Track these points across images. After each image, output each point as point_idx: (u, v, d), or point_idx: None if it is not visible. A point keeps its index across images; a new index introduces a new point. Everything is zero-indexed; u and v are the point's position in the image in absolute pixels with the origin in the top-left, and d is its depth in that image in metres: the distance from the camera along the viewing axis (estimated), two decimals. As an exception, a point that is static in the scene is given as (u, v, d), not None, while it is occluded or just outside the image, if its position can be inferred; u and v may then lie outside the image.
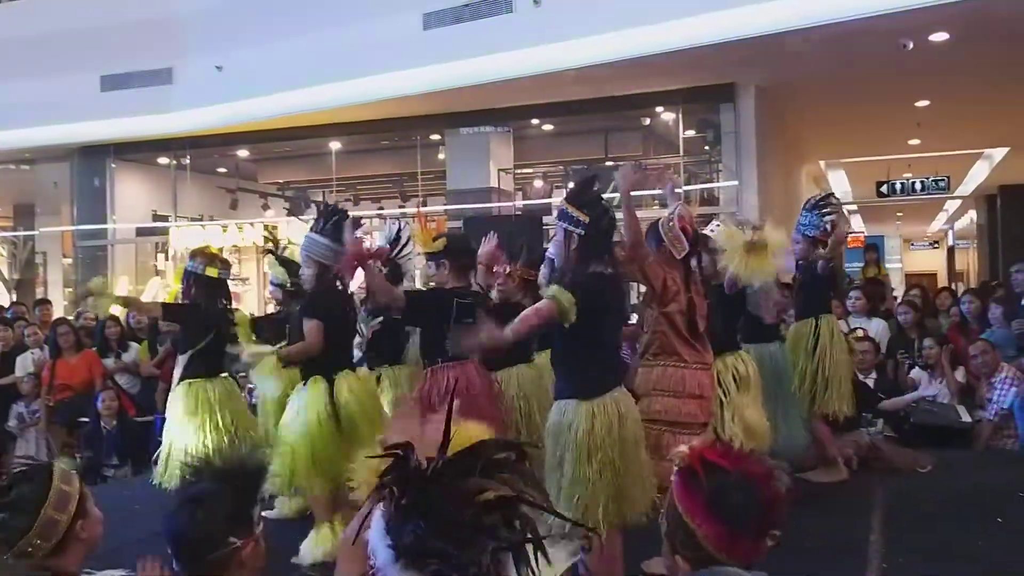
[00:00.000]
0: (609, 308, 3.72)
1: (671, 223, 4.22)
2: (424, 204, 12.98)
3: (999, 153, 15.10)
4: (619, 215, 3.95)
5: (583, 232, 3.63)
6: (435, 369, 4.42)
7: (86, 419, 7.57)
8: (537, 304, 3.67)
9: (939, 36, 8.39)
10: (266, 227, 10.73)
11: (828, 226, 5.68)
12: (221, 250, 9.88)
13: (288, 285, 5.65)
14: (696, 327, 4.22)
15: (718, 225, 4.98)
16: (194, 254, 5.48)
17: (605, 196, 3.83)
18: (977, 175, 17.06)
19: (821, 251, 5.64)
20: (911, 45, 8.41)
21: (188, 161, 13.11)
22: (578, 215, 3.64)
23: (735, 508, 1.79)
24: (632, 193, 4.10)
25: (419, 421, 1.48)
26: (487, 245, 5.00)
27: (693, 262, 4.36)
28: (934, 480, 5.84)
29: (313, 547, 4.55)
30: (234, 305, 5.75)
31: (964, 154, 15.42)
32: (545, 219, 9.79)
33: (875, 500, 5.34)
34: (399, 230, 5.49)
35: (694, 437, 3.87)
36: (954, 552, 4.49)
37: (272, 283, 5.94)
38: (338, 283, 4.82)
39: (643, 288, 4.39)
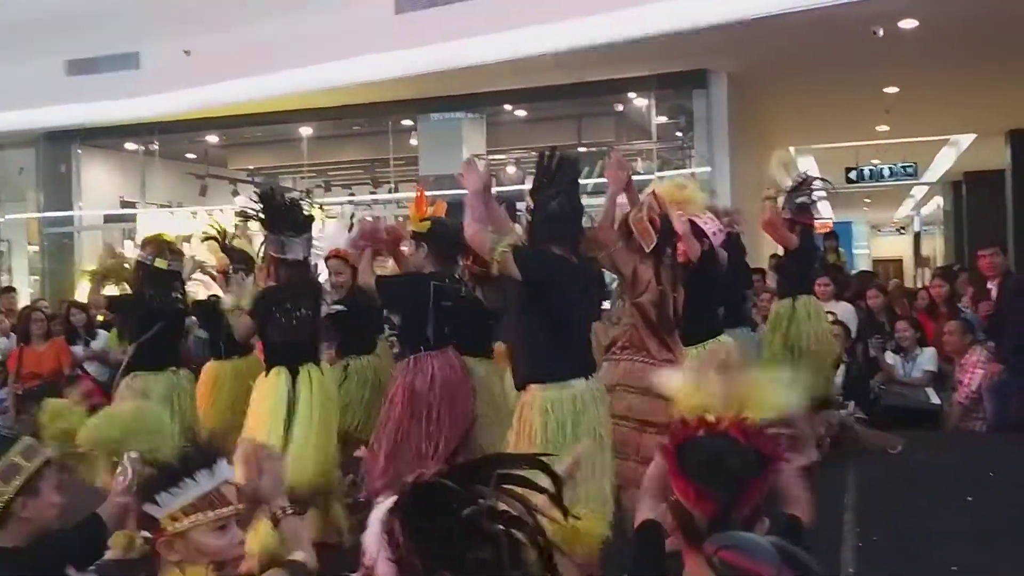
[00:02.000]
0: (567, 291, 3.49)
1: (639, 214, 4.12)
2: (396, 190, 12.93)
3: (965, 140, 15.29)
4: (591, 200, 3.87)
5: (529, 217, 3.56)
6: (418, 358, 4.37)
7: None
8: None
9: (908, 23, 8.46)
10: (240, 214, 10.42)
11: (798, 208, 5.78)
12: (188, 238, 9.80)
13: (231, 271, 5.52)
14: (668, 321, 4.10)
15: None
16: (145, 243, 5.34)
17: (578, 178, 3.68)
18: (944, 162, 17.27)
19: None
20: (881, 32, 8.48)
21: (156, 147, 12.94)
22: (528, 201, 3.58)
23: (704, 465, 1.80)
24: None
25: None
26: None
27: (668, 252, 4.22)
28: (905, 461, 5.94)
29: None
30: (197, 294, 5.67)
31: (931, 141, 15.60)
32: (519, 205, 9.78)
33: (847, 480, 5.42)
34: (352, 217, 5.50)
35: (662, 435, 3.77)
36: (927, 531, 4.56)
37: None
38: (309, 272, 4.74)
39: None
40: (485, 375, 4.77)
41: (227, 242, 5.89)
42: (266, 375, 4.56)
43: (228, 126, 12.61)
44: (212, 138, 13.53)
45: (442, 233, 4.58)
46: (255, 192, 4.86)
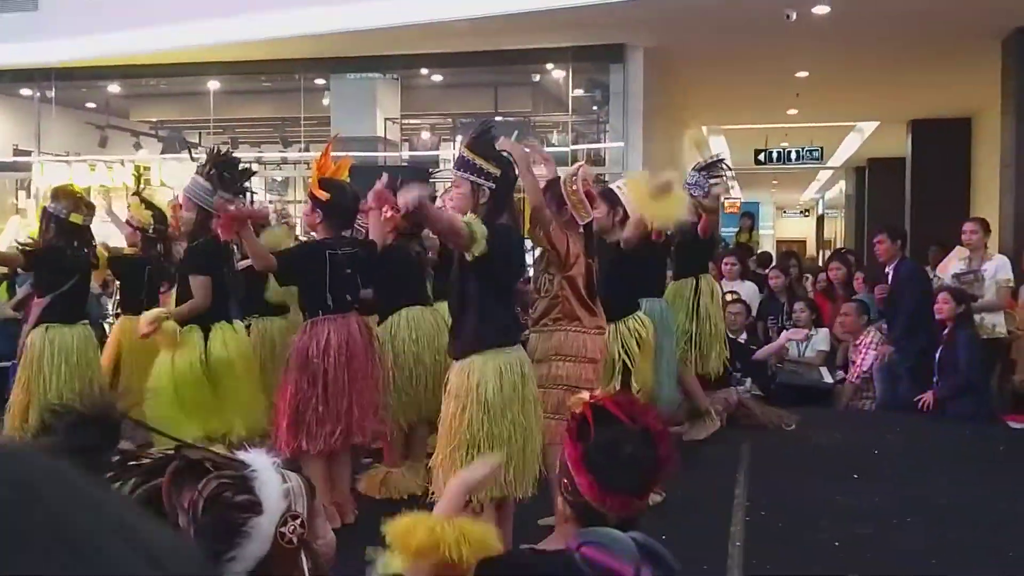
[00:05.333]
0: (514, 263, 3.70)
1: (575, 187, 4.10)
2: (307, 151, 12.64)
3: (869, 127, 15.75)
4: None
5: (494, 186, 3.55)
6: (315, 321, 4.34)
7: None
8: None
9: (821, 9, 8.61)
10: (136, 167, 10.23)
11: (709, 189, 5.83)
12: (88, 190, 9.44)
13: (151, 231, 5.64)
14: (593, 291, 4.23)
15: (625, 183, 5.02)
16: (57, 195, 5.29)
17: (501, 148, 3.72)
18: (848, 147, 17.77)
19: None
20: (794, 16, 8.61)
21: (53, 94, 12.32)
22: (488, 168, 3.55)
23: (611, 463, 1.79)
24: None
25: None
26: (376, 186, 4.79)
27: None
28: (797, 437, 6.11)
29: None
30: (98, 248, 5.63)
31: (837, 126, 16.02)
32: (432, 171, 9.67)
33: (741, 456, 5.54)
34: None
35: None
36: (813, 506, 4.70)
37: (130, 225, 5.83)
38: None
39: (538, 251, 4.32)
40: (418, 324, 4.83)
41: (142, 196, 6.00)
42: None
43: (131, 75, 12.09)
44: (114, 88, 12.97)
45: (340, 205, 4.51)
46: (212, 148, 5.04)
